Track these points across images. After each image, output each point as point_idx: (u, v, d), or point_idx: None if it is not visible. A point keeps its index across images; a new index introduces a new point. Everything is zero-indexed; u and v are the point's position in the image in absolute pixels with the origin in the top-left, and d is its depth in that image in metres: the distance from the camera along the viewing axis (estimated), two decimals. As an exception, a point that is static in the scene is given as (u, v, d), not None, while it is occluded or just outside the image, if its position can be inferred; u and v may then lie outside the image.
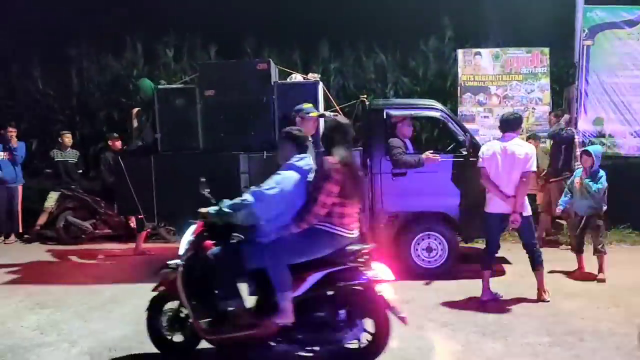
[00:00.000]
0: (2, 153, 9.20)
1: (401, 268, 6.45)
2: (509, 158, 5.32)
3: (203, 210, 3.98)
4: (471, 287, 5.90)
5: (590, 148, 6.41)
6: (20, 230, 9.35)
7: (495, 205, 5.43)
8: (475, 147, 6.27)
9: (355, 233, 3.95)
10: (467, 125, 8.32)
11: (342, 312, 3.84)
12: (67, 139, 9.45)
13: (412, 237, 6.46)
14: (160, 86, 7.02)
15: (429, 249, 6.46)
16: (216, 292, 4.03)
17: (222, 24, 11.60)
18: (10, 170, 9.22)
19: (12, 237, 9.28)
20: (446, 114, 6.65)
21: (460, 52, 9.32)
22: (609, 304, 5.43)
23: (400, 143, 6.47)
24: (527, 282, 5.91)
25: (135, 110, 7.44)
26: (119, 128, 9.48)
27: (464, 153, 6.34)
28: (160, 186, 6.46)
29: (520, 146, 5.40)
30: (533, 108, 9.03)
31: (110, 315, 5.40)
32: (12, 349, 4.55)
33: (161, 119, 6.68)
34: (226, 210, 3.86)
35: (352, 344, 3.93)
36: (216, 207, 3.92)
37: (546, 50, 9.09)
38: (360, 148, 6.46)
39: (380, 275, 3.83)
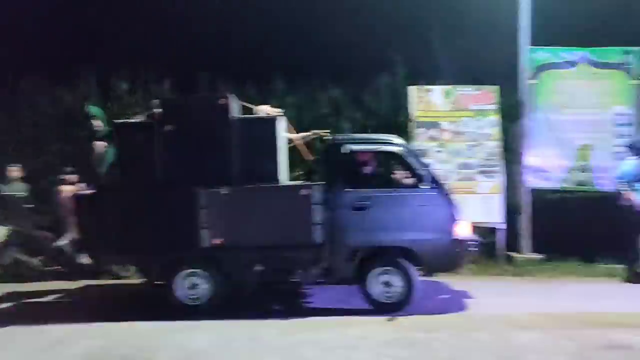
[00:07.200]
0: None
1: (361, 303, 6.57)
2: None
3: None
4: (429, 322, 6.00)
5: None
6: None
7: None
8: (434, 180, 6.47)
9: None
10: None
11: None
12: (13, 172, 9.15)
13: (369, 272, 6.46)
14: (118, 121, 6.93)
15: (387, 284, 6.45)
16: None
17: (177, 58, 11.62)
18: None
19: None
20: (407, 148, 6.79)
21: (412, 88, 9.57)
22: (562, 337, 5.50)
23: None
24: (483, 315, 6.03)
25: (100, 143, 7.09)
26: (71, 161, 9.23)
27: (425, 187, 6.42)
28: (117, 223, 6.33)
29: None
30: (484, 143, 9.33)
31: (58, 356, 5.20)
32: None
33: (119, 154, 6.60)
34: None
35: None
36: None
37: (494, 88, 9.46)
38: (322, 182, 6.51)
39: None
